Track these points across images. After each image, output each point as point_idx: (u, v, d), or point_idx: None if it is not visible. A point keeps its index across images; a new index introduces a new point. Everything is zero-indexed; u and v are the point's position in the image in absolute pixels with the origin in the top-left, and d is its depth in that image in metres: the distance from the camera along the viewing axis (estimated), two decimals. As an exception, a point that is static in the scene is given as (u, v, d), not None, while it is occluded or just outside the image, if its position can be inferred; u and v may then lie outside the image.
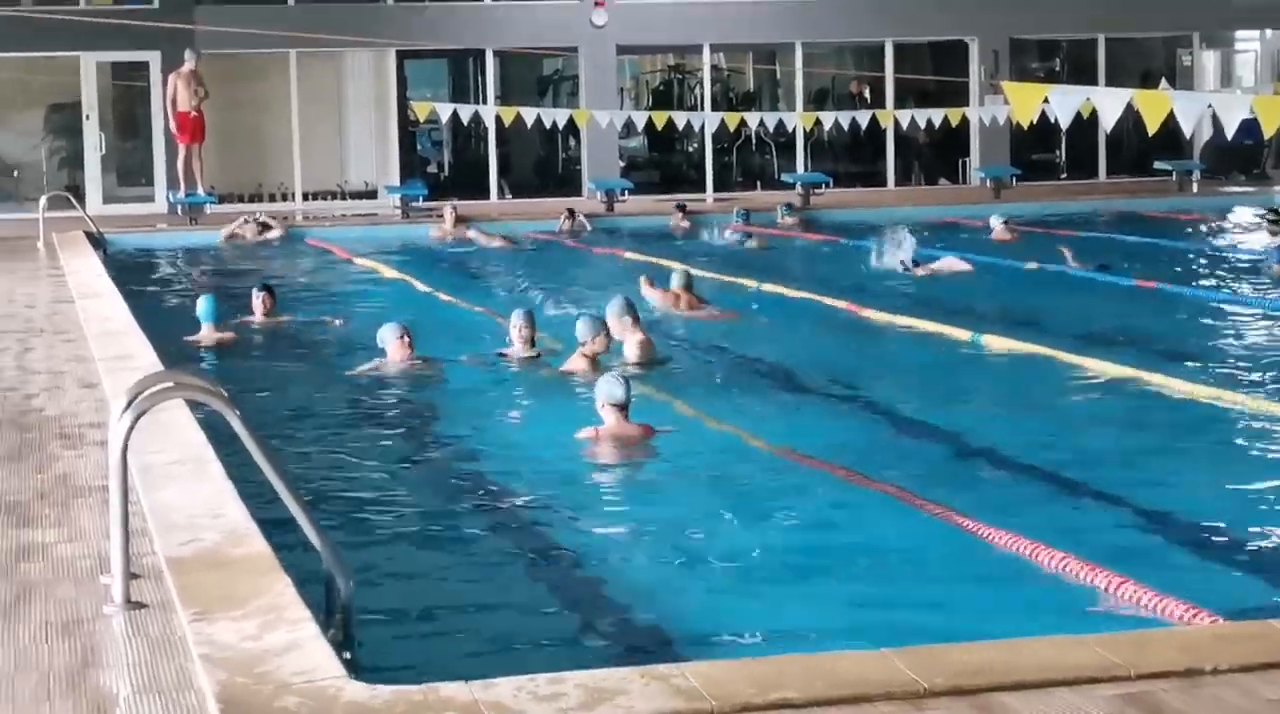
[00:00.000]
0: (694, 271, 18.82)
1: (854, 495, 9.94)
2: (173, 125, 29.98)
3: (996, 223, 26.12)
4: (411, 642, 7.49)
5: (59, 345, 14.28)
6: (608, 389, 11.03)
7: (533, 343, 14.44)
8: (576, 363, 13.64)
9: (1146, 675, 5.61)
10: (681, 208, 29.07)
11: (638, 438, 11.05)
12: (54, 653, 6.22)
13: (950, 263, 21.87)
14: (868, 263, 22.55)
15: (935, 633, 6.86)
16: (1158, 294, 19.09)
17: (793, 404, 13.38)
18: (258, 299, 17.17)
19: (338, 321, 17.02)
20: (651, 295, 17.47)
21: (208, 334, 16.06)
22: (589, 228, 27.99)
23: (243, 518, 7.71)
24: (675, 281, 17.75)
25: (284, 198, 32.76)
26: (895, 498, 9.67)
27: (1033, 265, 21.60)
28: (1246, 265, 22.36)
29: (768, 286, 19.67)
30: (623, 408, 10.98)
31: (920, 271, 21.38)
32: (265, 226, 27.33)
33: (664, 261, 21.37)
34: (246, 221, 27.41)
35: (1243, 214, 30.22)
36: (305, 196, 32.94)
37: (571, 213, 28.31)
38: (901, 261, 21.79)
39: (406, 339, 14.16)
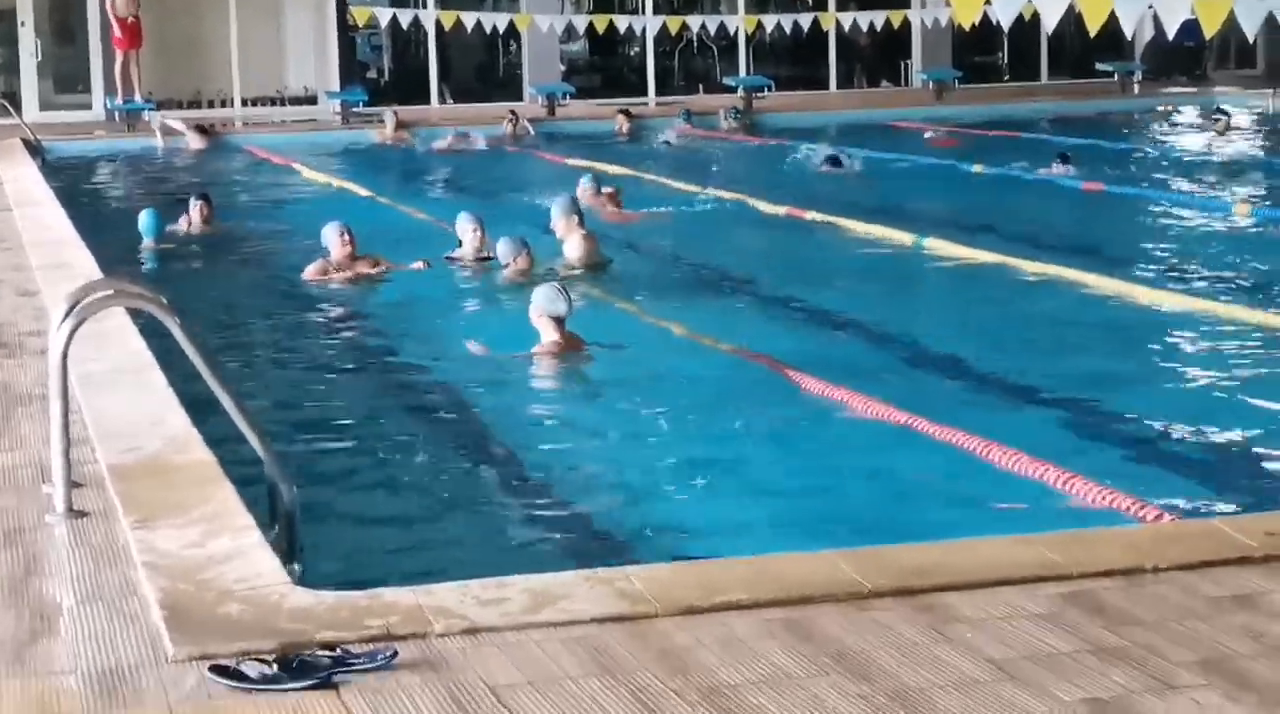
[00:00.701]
0: (642, 174, 18.88)
1: (797, 396, 9.93)
2: (116, 31, 29.57)
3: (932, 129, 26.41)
4: (356, 548, 7.48)
5: (-3, 254, 14.17)
6: (548, 303, 10.72)
7: (482, 246, 14.32)
8: (508, 278, 13.57)
9: (1089, 575, 5.63)
10: (625, 112, 28.96)
11: (575, 347, 10.90)
12: (-4, 563, 6.19)
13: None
14: (802, 165, 22.65)
15: (881, 533, 6.90)
16: (1103, 196, 19.13)
17: (735, 306, 13.37)
18: (195, 208, 17.04)
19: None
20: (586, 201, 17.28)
21: (149, 248, 16.06)
22: (532, 132, 27.88)
23: (185, 426, 7.67)
24: (590, 186, 17.70)
25: (223, 104, 32.49)
26: (841, 398, 9.65)
27: (978, 168, 21.64)
28: (1191, 165, 22.43)
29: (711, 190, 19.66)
30: (561, 320, 10.81)
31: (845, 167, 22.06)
32: (172, 130, 27.14)
33: (605, 166, 21.37)
34: (168, 128, 27.14)
35: (1187, 114, 30.33)
36: (244, 102, 32.66)
37: (514, 115, 28.17)
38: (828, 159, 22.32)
39: (347, 237, 14.08)
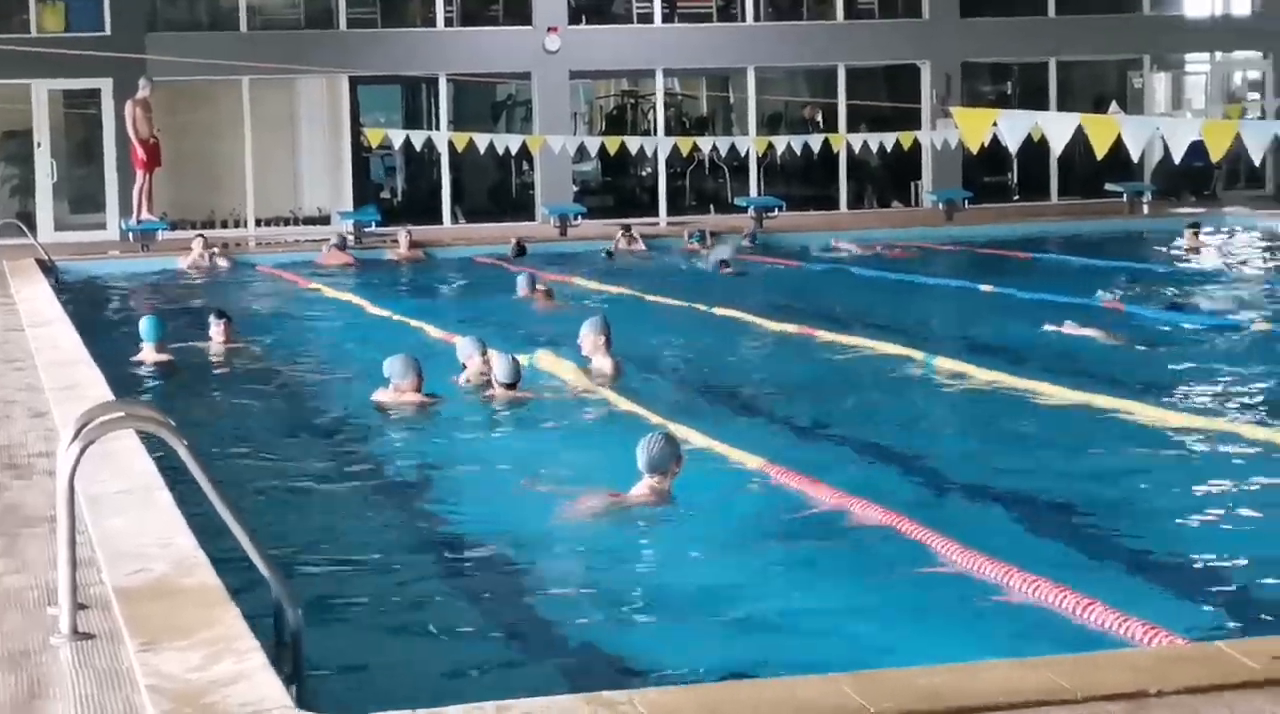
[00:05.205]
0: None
1: (805, 510, 9.93)
2: (140, 153, 29.63)
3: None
4: (360, 671, 7.46)
5: (9, 373, 14.21)
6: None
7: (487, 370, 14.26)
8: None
9: (1094, 698, 5.63)
10: (627, 228, 29.04)
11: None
12: (1, 685, 6.18)
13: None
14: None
15: (887, 656, 6.89)
16: (1122, 315, 19.15)
17: (745, 419, 13.36)
18: (216, 326, 17.09)
19: None
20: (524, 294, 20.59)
21: (149, 354, 16.05)
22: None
23: (191, 548, 7.68)
24: (526, 284, 20.94)
25: (237, 224, 32.70)
26: (851, 512, 9.65)
27: (987, 288, 21.71)
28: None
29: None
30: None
31: (729, 271, 24.45)
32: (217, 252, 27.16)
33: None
34: (205, 252, 27.05)
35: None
36: (258, 222, 32.88)
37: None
38: (720, 261, 25.05)
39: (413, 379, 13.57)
